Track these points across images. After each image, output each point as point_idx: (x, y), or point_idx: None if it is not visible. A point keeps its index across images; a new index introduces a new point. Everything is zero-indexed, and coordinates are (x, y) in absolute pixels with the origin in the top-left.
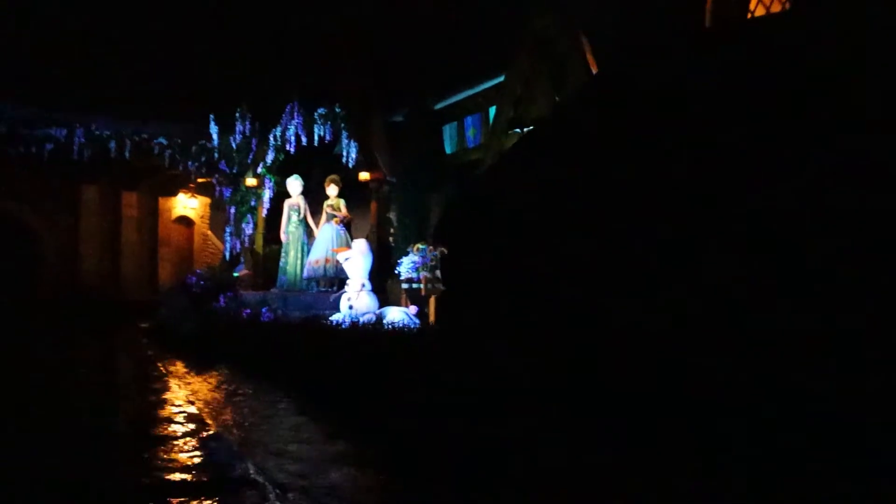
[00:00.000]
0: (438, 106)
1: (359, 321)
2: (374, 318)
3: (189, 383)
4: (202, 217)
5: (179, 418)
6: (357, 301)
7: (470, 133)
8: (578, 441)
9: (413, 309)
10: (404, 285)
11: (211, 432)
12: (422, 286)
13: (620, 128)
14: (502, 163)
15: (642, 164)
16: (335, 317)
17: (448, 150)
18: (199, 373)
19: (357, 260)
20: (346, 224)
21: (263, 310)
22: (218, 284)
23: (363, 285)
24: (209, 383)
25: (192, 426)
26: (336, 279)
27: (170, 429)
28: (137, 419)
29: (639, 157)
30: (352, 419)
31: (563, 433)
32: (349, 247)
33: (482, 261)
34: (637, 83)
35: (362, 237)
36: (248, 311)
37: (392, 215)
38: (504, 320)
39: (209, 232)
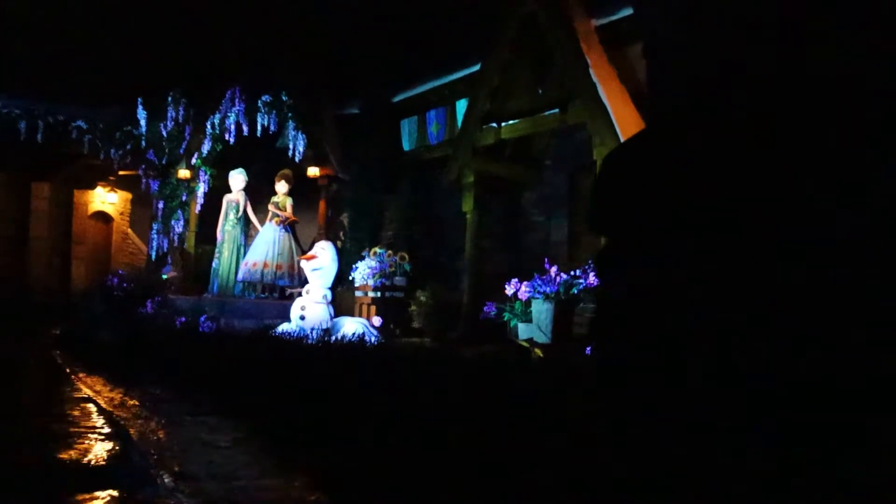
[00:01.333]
0: (397, 98)
1: (325, 335)
2: (321, 332)
3: (118, 413)
4: (122, 214)
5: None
6: (310, 311)
7: (433, 129)
8: None
9: (377, 320)
10: (359, 293)
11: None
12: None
13: None
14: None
15: None
16: (283, 327)
17: (406, 147)
18: (126, 394)
19: (328, 269)
20: (290, 226)
21: (202, 318)
22: (144, 287)
23: (325, 297)
24: (139, 410)
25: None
26: (275, 286)
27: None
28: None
29: None
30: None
31: None
32: (304, 251)
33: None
34: None
35: (310, 240)
36: (183, 318)
37: (342, 217)
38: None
39: (129, 230)
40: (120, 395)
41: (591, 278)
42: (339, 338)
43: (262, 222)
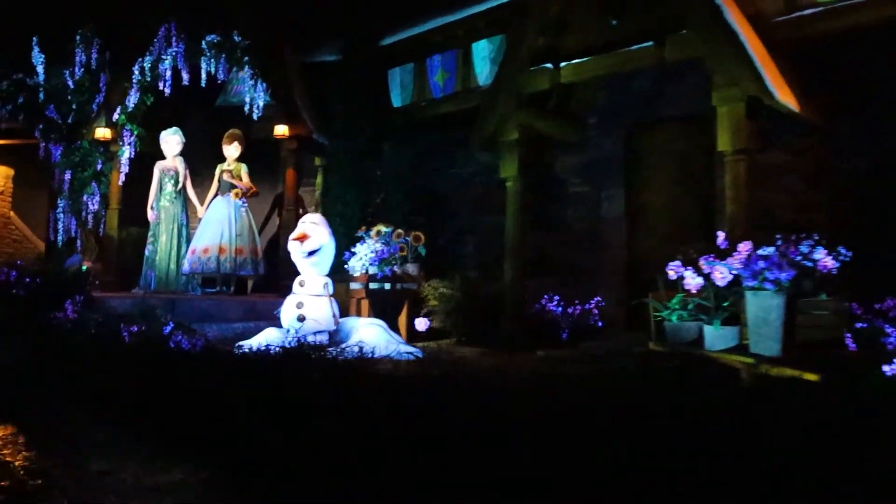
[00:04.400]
0: (387, 41)
1: (339, 343)
2: (326, 339)
3: None
4: (2, 193)
5: None
6: (311, 309)
7: (437, 78)
8: None
9: (423, 322)
10: (355, 285)
11: None
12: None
13: None
14: None
15: None
16: (267, 335)
17: (398, 103)
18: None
19: (327, 249)
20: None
21: (166, 329)
22: (59, 284)
23: (326, 287)
24: None
25: None
26: (233, 277)
27: None
28: None
29: None
30: None
31: None
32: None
33: None
34: None
35: (261, 219)
36: (134, 328)
37: (307, 191)
38: None
39: (13, 214)
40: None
41: (825, 259)
42: (363, 349)
43: (202, 199)
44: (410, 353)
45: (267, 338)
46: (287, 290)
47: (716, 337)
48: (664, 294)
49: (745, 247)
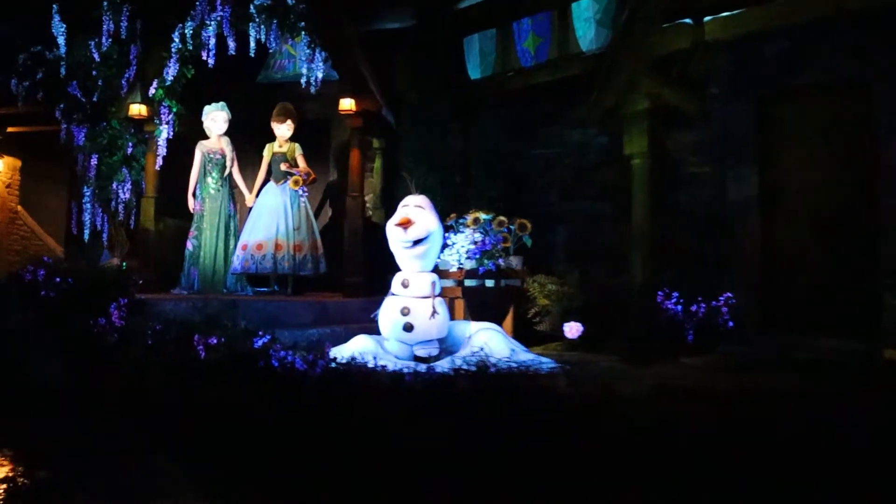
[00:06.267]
0: (463, 4)
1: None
2: (436, 349)
3: None
4: (9, 186)
5: None
6: (421, 315)
7: (527, 44)
8: None
9: (575, 327)
10: (447, 282)
11: None
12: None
13: None
14: None
15: None
16: (359, 344)
17: (476, 75)
18: None
19: (436, 238)
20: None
21: (257, 341)
22: (96, 284)
23: (433, 285)
24: None
25: None
26: (290, 276)
27: None
28: None
29: None
30: None
31: None
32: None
33: None
34: None
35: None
36: (213, 339)
37: (372, 175)
38: None
39: (20, 208)
40: None
41: None
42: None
43: (249, 184)
44: (550, 364)
45: (360, 347)
46: (358, 290)
47: None
48: None
49: None
